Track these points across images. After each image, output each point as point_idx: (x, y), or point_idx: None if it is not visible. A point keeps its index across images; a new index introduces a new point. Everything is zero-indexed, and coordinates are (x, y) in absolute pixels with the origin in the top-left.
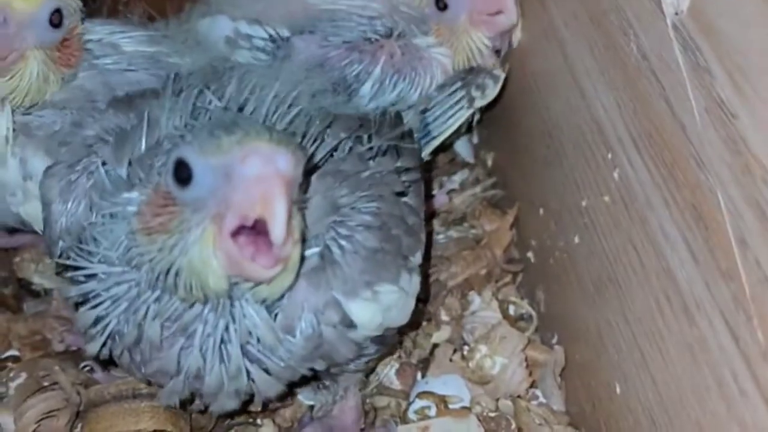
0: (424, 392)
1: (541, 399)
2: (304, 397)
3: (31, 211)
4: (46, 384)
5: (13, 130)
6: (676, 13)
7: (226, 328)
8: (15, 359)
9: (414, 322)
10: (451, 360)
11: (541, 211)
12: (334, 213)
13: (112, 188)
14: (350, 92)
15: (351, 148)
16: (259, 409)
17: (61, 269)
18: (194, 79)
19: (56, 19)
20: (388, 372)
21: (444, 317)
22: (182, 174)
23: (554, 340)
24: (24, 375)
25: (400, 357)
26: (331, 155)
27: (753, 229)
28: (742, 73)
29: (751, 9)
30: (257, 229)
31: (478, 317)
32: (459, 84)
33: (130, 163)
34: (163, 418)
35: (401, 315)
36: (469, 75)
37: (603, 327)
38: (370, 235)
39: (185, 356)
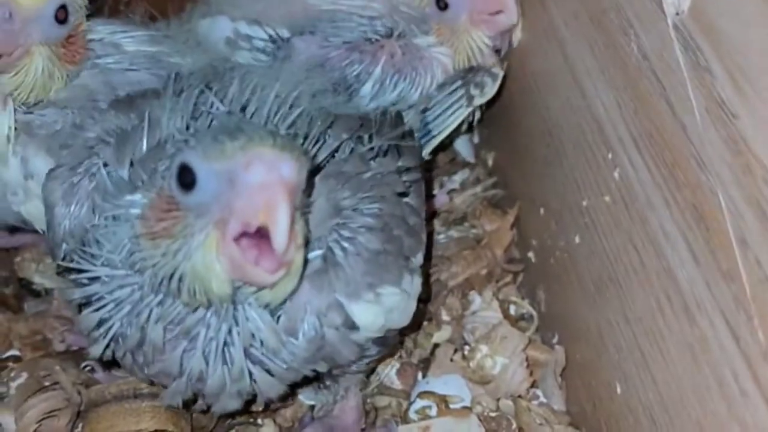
0: (425, 392)
1: (542, 399)
2: (305, 397)
3: (32, 210)
4: (47, 384)
5: (15, 129)
6: (677, 13)
7: (229, 332)
8: (16, 359)
9: (415, 323)
10: (451, 360)
11: (542, 210)
12: (337, 215)
13: (114, 190)
14: (351, 92)
15: (352, 149)
16: (261, 408)
17: (63, 270)
18: (195, 79)
19: (62, 15)
20: (389, 372)
21: (445, 317)
22: (186, 179)
23: (555, 340)
24: (25, 375)
25: (400, 357)
26: (333, 156)
27: (753, 229)
28: (743, 73)
29: (752, 9)
30: (260, 233)
31: (478, 317)
32: (459, 83)
33: (131, 164)
34: (164, 418)
35: (403, 316)
36: (468, 74)
37: (604, 327)
38: (373, 237)
39: (188, 359)
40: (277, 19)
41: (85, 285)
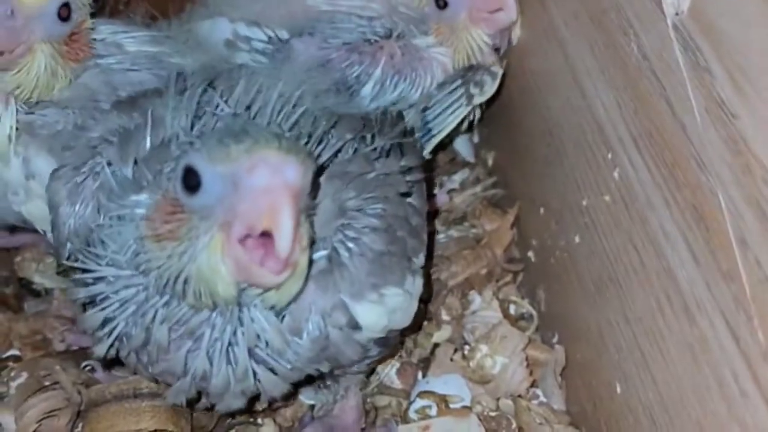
0: (425, 392)
1: (542, 398)
2: (305, 396)
3: (34, 210)
4: (47, 383)
5: (17, 129)
6: (677, 13)
7: (234, 333)
8: (16, 359)
9: (415, 324)
10: (451, 359)
11: (542, 210)
12: (342, 216)
13: (119, 190)
14: (351, 93)
15: (356, 149)
16: (264, 407)
17: (63, 270)
18: (197, 78)
19: (64, 12)
20: (389, 371)
21: (444, 317)
22: (191, 181)
23: (555, 340)
24: (25, 374)
25: (400, 356)
26: (336, 156)
27: (753, 229)
28: (743, 73)
29: (752, 9)
30: (265, 234)
31: (478, 317)
32: (458, 82)
33: (135, 162)
34: (164, 418)
35: (405, 317)
36: (468, 72)
37: (603, 326)
38: (377, 238)
39: (192, 359)
40: (276, 21)
41: (89, 284)
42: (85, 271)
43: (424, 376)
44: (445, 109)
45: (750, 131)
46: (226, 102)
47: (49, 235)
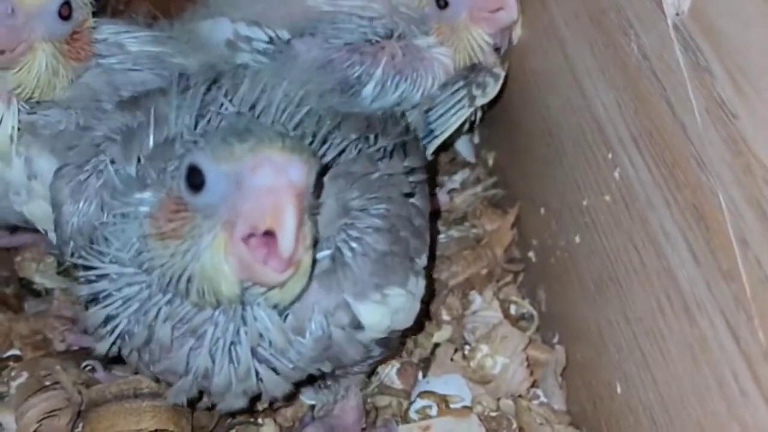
0: (425, 392)
1: (542, 398)
2: (306, 396)
3: (35, 210)
4: (47, 383)
5: (18, 129)
6: (677, 13)
7: (237, 331)
8: (16, 358)
9: (417, 325)
10: (452, 359)
11: (542, 210)
12: (346, 215)
13: (123, 188)
14: (352, 94)
15: (360, 149)
16: (266, 407)
17: (63, 269)
18: (200, 77)
19: (65, 11)
20: (389, 371)
21: (445, 317)
22: (195, 180)
23: (555, 340)
24: (25, 374)
25: (401, 356)
26: (340, 155)
27: (754, 229)
28: (743, 73)
29: (752, 9)
30: (269, 233)
31: (479, 317)
32: (461, 83)
33: (139, 161)
34: (165, 418)
35: (408, 318)
36: (470, 74)
37: (604, 326)
38: (380, 238)
39: (194, 357)
40: (276, 21)
41: (92, 282)
42: (88, 268)
43: (424, 376)
44: (447, 110)
45: (750, 131)
46: (230, 101)
47: (51, 235)
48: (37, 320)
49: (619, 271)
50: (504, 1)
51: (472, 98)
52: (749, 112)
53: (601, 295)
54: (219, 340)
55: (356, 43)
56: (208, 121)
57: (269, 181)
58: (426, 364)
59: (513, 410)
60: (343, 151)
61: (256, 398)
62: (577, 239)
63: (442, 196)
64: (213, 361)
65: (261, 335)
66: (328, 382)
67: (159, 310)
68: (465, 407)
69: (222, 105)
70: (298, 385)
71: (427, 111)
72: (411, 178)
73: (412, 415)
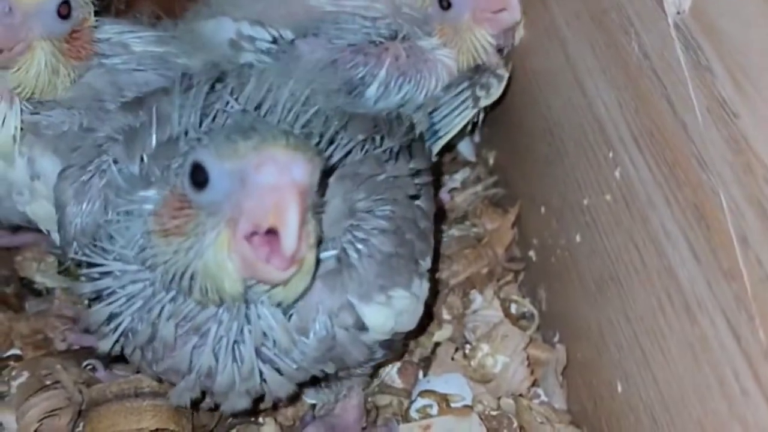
0: (426, 391)
1: (543, 398)
2: (307, 395)
3: (38, 211)
4: (48, 383)
5: (21, 129)
6: (678, 13)
7: (241, 330)
8: (17, 358)
9: (420, 327)
10: (452, 359)
11: (543, 209)
12: (352, 217)
13: (127, 186)
14: (355, 95)
15: (367, 150)
16: (269, 407)
17: (64, 269)
18: (203, 76)
19: (64, 10)
20: (390, 371)
21: (446, 316)
22: (198, 177)
23: (556, 339)
24: (26, 374)
25: (401, 355)
26: (346, 156)
27: (754, 228)
28: (744, 72)
29: (753, 9)
30: (272, 231)
31: (479, 316)
32: (465, 84)
33: (142, 159)
34: (166, 417)
35: (411, 320)
36: (474, 75)
37: (604, 325)
38: (386, 240)
39: (197, 355)
40: (278, 20)
41: (96, 279)
42: (91, 265)
43: (425, 375)
44: (451, 111)
45: (751, 130)
46: (236, 100)
47: (54, 235)
48: (37, 320)
49: (620, 270)
50: (507, 2)
51: (476, 99)
52: (750, 111)
53: (602, 294)
54: (222, 339)
55: (360, 44)
56: (213, 119)
57: (273, 179)
58: (427, 363)
59: (514, 409)
60: (349, 152)
61: (259, 399)
62: (578, 238)
63: (443, 195)
64: (216, 360)
65: (265, 334)
66: (330, 383)
67: (162, 307)
68: (466, 406)
69: (228, 103)
70: (301, 386)
71: (431, 112)
72: (416, 180)
73: (413, 414)
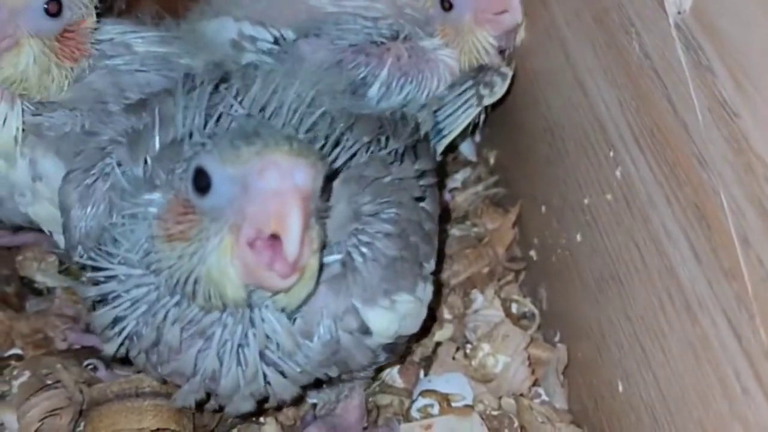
0: (427, 390)
1: (544, 397)
2: (308, 395)
3: (41, 212)
4: (49, 382)
5: (23, 130)
6: (679, 12)
7: (245, 334)
8: (18, 357)
9: (423, 329)
10: (453, 358)
11: (544, 209)
12: (357, 220)
13: (131, 189)
14: (358, 95)
15: (372, 152)
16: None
17: (65, 268)
18: (206, 76)
19: (54, 8)
20: (391, 370)
21: (447, 315)
22: (201, 182)
23: (557, 338)
24: (27, 373)
25: (404, 357)
26: (351, 158)
27: (755, 228)
28: (744, 72)
29: (753, 9)
30: (275, 236)
31: (480, 315)
32: (469, 83)
33: (145, 162)
34: (166, 417)
35: (415, 323)
36: (478, 73)
37: (605, 325)
38: (390, 243)
39: (202, 358)
40: (279, 20)
41: (101, 283)
42: (96, 269)
43: (426, 374)
44: (455, 110)
45: (751, 130)
46: (241, 101)
47: (55, 236)
48: (38, 319)
49: (621, 269)
50: (508, 4)
51: (480, 97)
52: (750, 111)
53: (603, 294)
54: (227, 342)
55: (361, 45)
56: (217, 120)
57: (275, 184)
58: (428, 362)
59: (514, 409)
60: (354, 154)
61: (263, 401)
62: (579, 238)
63: (445, 196)
64: (221, 363)
65: (269, 338)
66: (332, 384)
67: (167, 312)
68: (467, 406)
69: (232, 106)
70: (305, 388)
71: (435, 111)
72: (422, 182)
73: (414, 413)
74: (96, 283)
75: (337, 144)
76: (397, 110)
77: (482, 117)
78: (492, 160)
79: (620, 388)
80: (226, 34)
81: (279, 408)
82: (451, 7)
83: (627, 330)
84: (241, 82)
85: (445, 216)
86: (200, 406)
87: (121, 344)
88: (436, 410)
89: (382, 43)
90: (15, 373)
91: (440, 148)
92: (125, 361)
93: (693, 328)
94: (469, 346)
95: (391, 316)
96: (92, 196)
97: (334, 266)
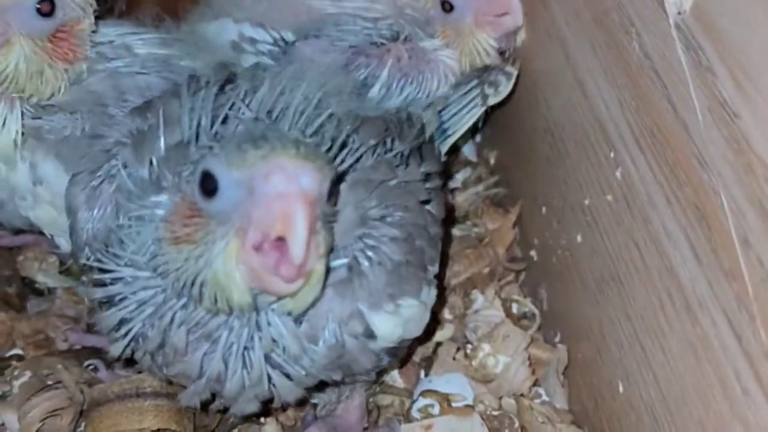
0: (428, 391)
1: (544, 397)
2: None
3: (42, 216)
4: (49, 383)
5: (23, 134)
6: (679, 13)
7: (251, 337)
8: (19, 358)
9: (425, 333)
10: (454, 358)
11: (544, 209)
12: (364, 225)
13: (137, 191)
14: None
15: (378, 154)
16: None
17: (66, 269)
18: (212, 78)
19: (46, 8)
20: (392, 371)
21: (447, 316)
22: (208, 186)
23: (557, 339)
24: (28, 374)
25: (406, 360)
26: (357, 161)
27: (755, 229)
28: (745, 72)
29: (754, 9)
30: (281, 240)
31: (481, 316)
32: (474, 82)
33: (151, 163)
34: (167, 417)
35: (418, 327)
36: (483, 73)
37: (605, 325)
38: (397, 248)
39: (208, 361)
40: (279, 22)
41: (107, 285)
42: (103, 271)
43: (426, 375)
44: (460, 110)
45: (752, 131)
46: (249, 103)
47: (57, 239)
48: (39, 319)
49: (621, 270)
50: (509, 6)
51: (485, 97)
52: (751, 111)
53: (603, 294)
54: (233, 345)
55: (362, 46)
56: (224, 121)
57: (281, 187)
58: (428, 363)
59: (515, 409)
60: (360, 156)
61: (268, 402)
62: (579, 238)
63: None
64: (226, 366)
65: (275, 341)
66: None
67: (174, 314)
68: (467, 406)
69: (239, 109)
70: (309, 391)
71: (440, 111)
72: (428, 185)
73: (415, 414)
74: (103, 284)
75: (343, 146)
76: (403, 111)
77: (481, 118)
78: (492, 161)
79: (620, 389)
80: (226, 35)
81: (284, 409)
82: (451, 8)
83: (627, 330)
84: (250, 84)
85: (448, 219)
86: (205, 406)
87: (127, 346)
88: (436, 410)
89: (383, 44)
90: (16, 373)
91: (445, 148)
92: (130, 361)
93: (693, 328)
94: (469, 346)
95: (395, 321)
96: (99, 198)
97: (341, 270)
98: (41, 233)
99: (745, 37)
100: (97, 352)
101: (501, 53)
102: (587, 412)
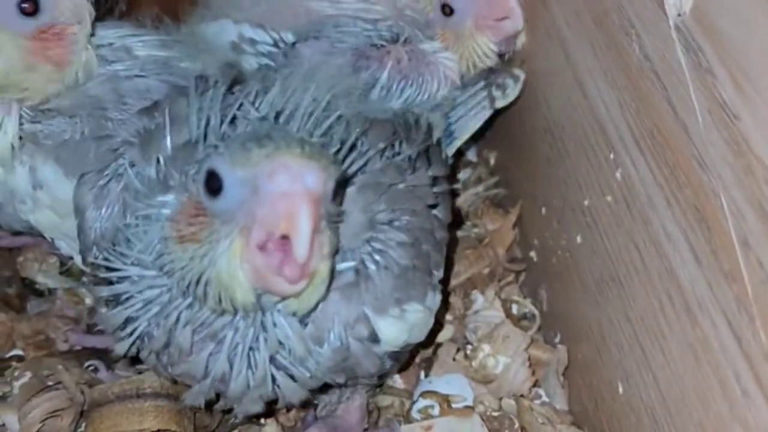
0: (428, 391)
1: (544, 398)
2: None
3: (42, 220)
4: (50, 383)
5: (21, 138)
6: (679, 14)
7: (257, 338)
8: (19, 358)
9: (429, 337)
10: (454, 359)
11: (544, 210)
12: (372, 229)
13: (145, 190)
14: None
15: (386, 157)
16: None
17: (66, 269)
18: (219, 78)
19: (30, 8)
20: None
21: (447, 316)
22: (213, 185)
23: (557, 339)
24: (28, 374)
25: (408, 364)
26: (366, 164)
27: (755, 230)
28: (745, 74)
29: (754, 10)
30: (286, 239)
31: (481, 316)
32: (481, 84)
33: (158, 161)
34: (167, 418)
35: (422, 332)
36: (490, 75)
37: (605, 326)
38: (404, 253)
39: (213, 361)
40: (279, 23)
41: (113, 283)
42: (110, 269)
43: (426, 375)
44: (467, 112)
45: (752, 132)
46: (259, 104)
47: (57, 242)
48: (39, 320)
49: (621, 271)
50: (509, 10)
51: (492, 100)
52: (751, 112)
53: (603, 295)
54: (238, 346)
55: (362, 47)
56: (232, 122)
57: (285, 186)
58: (428, 363)
59: (515, 410)
60: (369, 159)
61: (272, 402)
62: (579, 239)
63: None
64: (231, 366)
65: (280, 342)
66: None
67: (180, 314)
68: (467, 407)
69: (248, 109)
70: (314, 392)
71: (447, 114)
72: (435, 189)
73: (415, 414)
74: (109, 282)
75: (352, 149)
76: (410, 114)
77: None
78: (492, 161)
79: (620, 390)
80: (226, 36)
81: (287, 410)
82: (452, 12)
83: (627, 331)
84: (261, 84)
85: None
86: (209, 406)
87: (132, 344)
88: (436, 411)
89: (382, 45)
90: (16, 374)
91: (451, 150)
92: (133, 360)
93: (693, 329)
94: (469, 347)
95: (400, 326)
96: (107, 197)
97: (348, 274)
98: (41, 236)
99: (745, 38)
100: (98, 353)
101: (500, 56)
102: (587, 413)
